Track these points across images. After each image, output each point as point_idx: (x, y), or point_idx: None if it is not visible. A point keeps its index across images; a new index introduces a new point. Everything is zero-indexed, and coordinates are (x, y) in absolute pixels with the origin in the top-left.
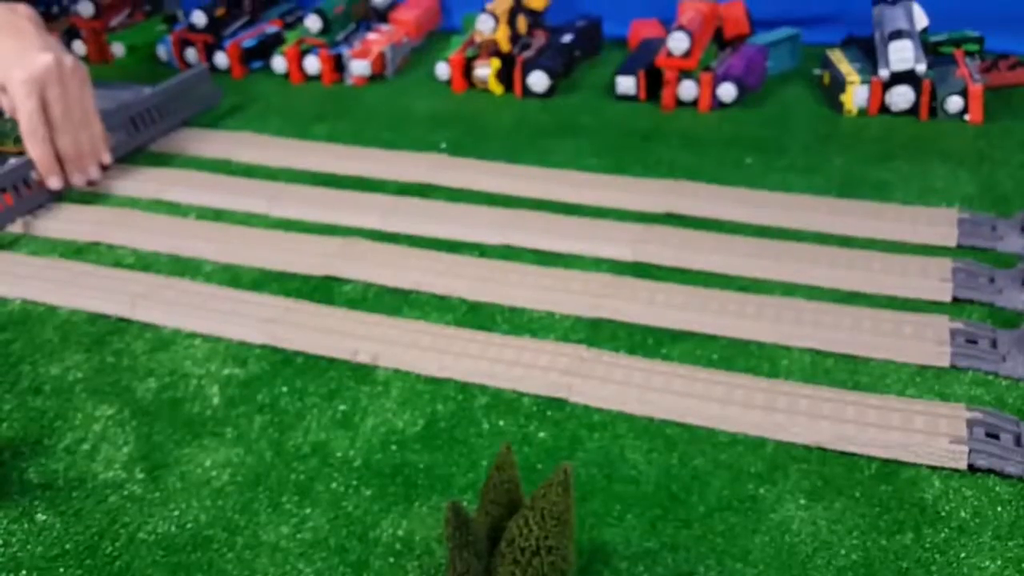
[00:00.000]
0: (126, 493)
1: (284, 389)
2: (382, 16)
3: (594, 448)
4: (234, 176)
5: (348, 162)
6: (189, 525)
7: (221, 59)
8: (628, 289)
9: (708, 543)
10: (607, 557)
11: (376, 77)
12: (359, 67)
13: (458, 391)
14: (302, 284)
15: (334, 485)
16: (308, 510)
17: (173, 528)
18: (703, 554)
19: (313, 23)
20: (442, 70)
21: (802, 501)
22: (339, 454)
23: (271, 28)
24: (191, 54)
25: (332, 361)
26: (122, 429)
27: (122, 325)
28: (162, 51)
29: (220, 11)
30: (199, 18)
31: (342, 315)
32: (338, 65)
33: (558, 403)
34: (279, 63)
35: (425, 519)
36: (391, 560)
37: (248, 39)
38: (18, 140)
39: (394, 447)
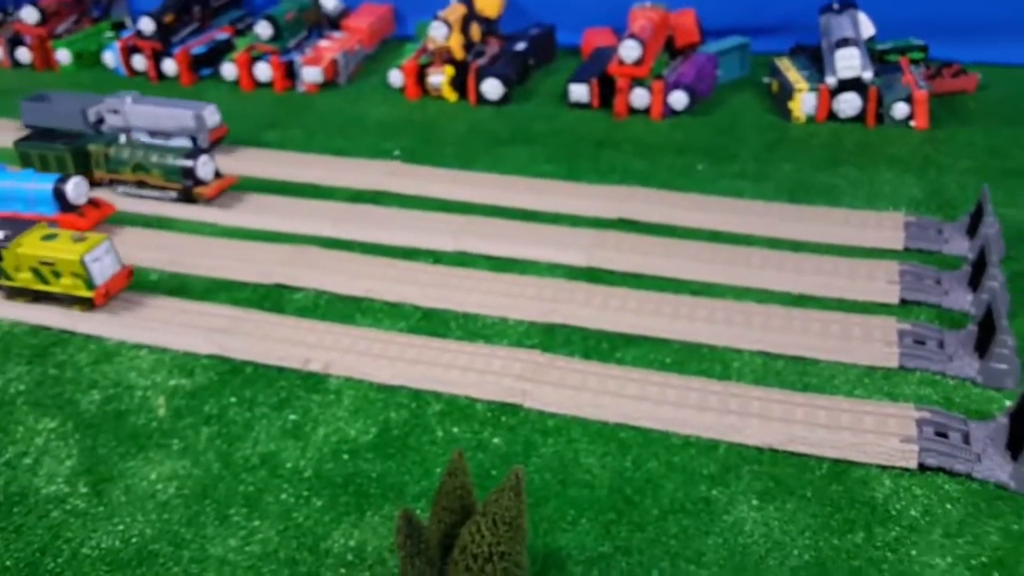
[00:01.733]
0: (69, 508)
1: (232, 399)
2: (334, 23)
3: (548, 453)
4: None
5: (300, 169)
6: (134, 540)
7: (170, 66)
8: (582, 294)
9: (662, 546)
10: (561, 562)
11: (328, 84)
12: (311, 74)
13: (411, 398)
14: (252, 293)
15: (284, 496)
16: (257, 522)
17: (117, 543)
18: (657, 557)
19: (264, 30)
20: (395, 77)
21: (754, 502)
22: (289, 465)
23: (221, 35)
24: (139, 61)
25: (282, 370)
26: (65, 442)
27: (65, 337)
28: (109, 58)
29: (169, 18)
30: (147, 25)
31: (293, 324)
32: (289, 72)
33: (512, 409)
34: (229, 70)
35: (378, 528)
36: (342, 571)
37: (197, 46)
38: (136, 168)
39: (346, 456)
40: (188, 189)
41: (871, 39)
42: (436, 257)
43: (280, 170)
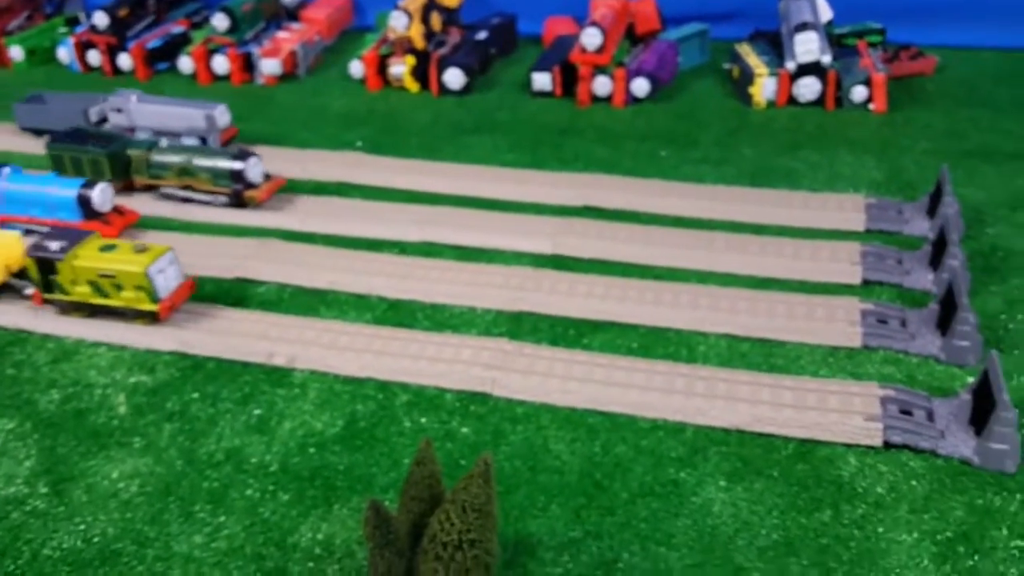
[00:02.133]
0: (29, 508)
1: (195, 395)
2: (293, 14)
3: (518, 440)
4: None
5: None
6: (96, 539)
7: (125, 61)
8: (548, 282)
9: (632, 529)
10: (532, 548)
11: (288, 76)
12: (269, 66)
13: (378, 390)
14: (214, 287)
15: (249, 492)
16: (222, 518)
17: (79, 543)
18: (627, 540)
19: (220, 22)
20: (356, 68)
21: (722, 483)
22: (254, 460)
23: (177, 28)
24: (94, 56)
25: (246, 365)
26: (23, 443)
27: (23, 336)
28: (63, 54)
29: (123, 12)
30: (101, 19)
31: (256, 318)
32: (248, 65)
33: (481, 397)
34: (186, 64)
35: (346, 521)
36: (310, 565)
37: (153, 40)
38: (181, 173)
39: (312, 450)
40: (238, 193)
41: (829, 23)
42: (401, 248)
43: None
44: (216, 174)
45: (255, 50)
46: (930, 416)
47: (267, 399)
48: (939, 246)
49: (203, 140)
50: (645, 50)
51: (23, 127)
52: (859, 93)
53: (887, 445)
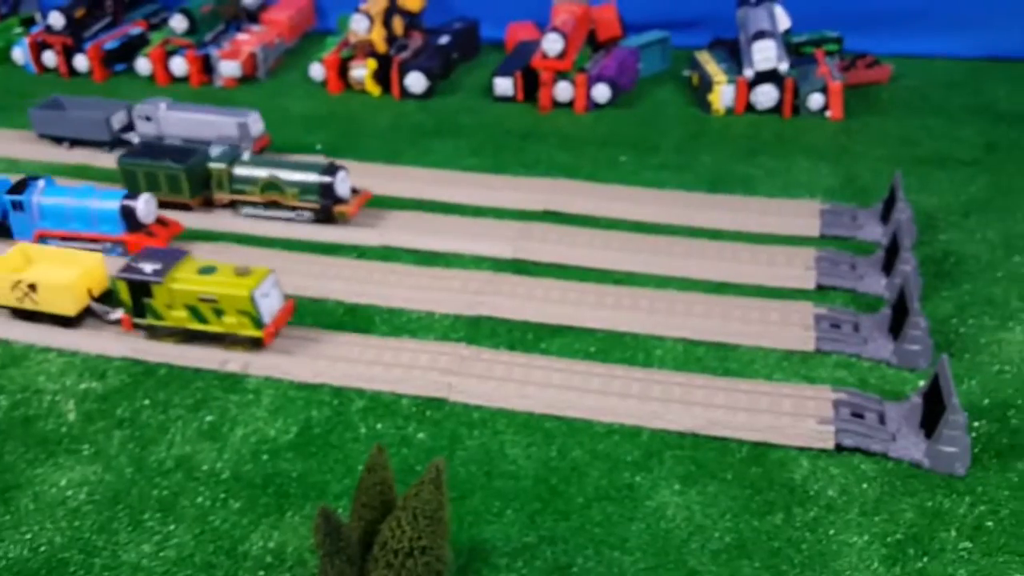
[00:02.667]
0: None
1: (146, 402)
2: (253, 16)
3: (474, 446)
4: (94, 181)
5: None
6: (43, 548)
7: (81, 62)
8: (508, 286)
9: (586, 534)
10: (486, 554)
11: (247, 78)
12: (228, 68)
13: (333, 396)
14: None
15: (200, 499)
16: (172, 527)
17: (25, 552)
18: (581, 545)
19: (179, 23)
20: (317, 71)
21: (677, 487)
22: (205, 467)
23: (135, 29)
24: (49, 57)
25: (199, 371)
26: None
27: None
28: (18, 54)
29: (80, 12)
30: (56, 20)
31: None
32: (206, 66)
33: (438, 403)
34: (143, 65)
35: (298, 529)
36: (261, 574)
37: (110, 41)
38: (266, 188)
39: (265, 456)
40: (327, 208)
41: (787, 32)
42: (360, 252)
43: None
44: (304, 188)
45: (214, 52)
46: (881, 419)
47: (220, 405)
48: (892, 251)
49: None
50: (606, 56)
51: (40, 134)
52: (816, 101)
53: (839, 448)
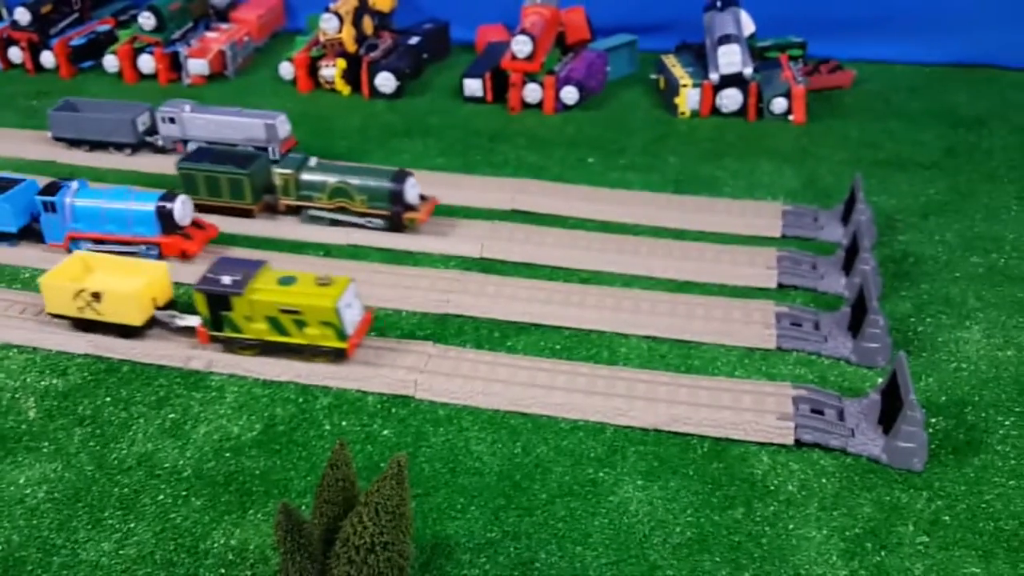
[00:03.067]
0: None
1: (108, 399)
2: (222, 15)
3: (439, 443)
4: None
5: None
6: (0, 547)
7: (48, 58)
8: (475, 284)
9: (550, 529)
10: (449, 551)
11: (216, 76)
12: (196, 66)
13: (299, 393)
14: None
15: (161, 497)
16: (132, 524)
17: None
18: (544, 540)
19: (147, 21)
20: (286, 70)
21: (639, 482)
22: (167, 464)
23: (102, 26)
24: (15, 53)
25: (162, 368)
26: None
27: None
28: None
29: (46, 8)
30: (22, 15)
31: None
32: (175, 64)
33: (403, 400)
34: (111, 62)
35: (260, 526)
36: (222, 571)
37: (77, 37)
38: (334, 194)
39: (228, 454)
40: (397, 215)
41: (752, 36)
42: (327, 250)
43: (164, 165)
44: (373, 195)
45: (182, 50)
46: (841, 416)
47: (182, 403)
48: (852, 252)
49: (262, 151)
50: (575, 59)
51: (57, 137)
52: (779, 104)
53: (799, 444)
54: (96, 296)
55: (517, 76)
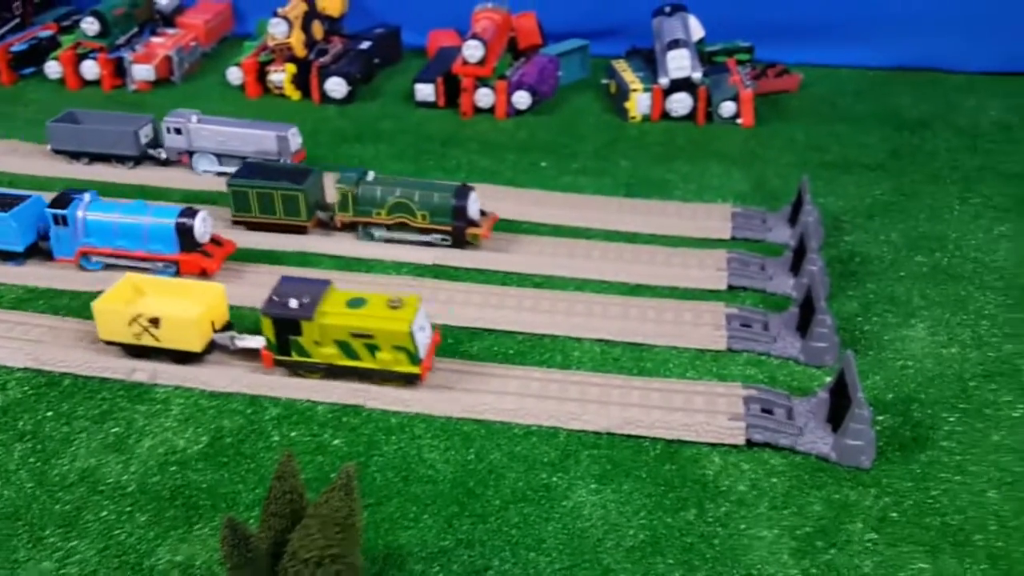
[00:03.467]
0: None
1: (49, 414)
2: (168, 20)
3: (391, 451)
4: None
5: (128, 172)
6: None
7: None
8: (428, 291)
9: (503, 536)
10: (402, 560)
11: (162, 82)
12: (142, 72)
13: (247, 404)
14: (71, 300)
15: (104, 514)
16: (75, 542)
17: None
18: (498, 547)
19: (90, 26)
20: (234, 75)
21: (593, 486)
22: (111, 480)
23: (44, 32)
24: None
25: (104, 381)
26: None
27: None
28: None
29: None
30: None
31: None
32: (119, 70)
33: (355, 409)
34: (53, 68)
35: (207, 541)
36: None
37: (18, 43)
38: (394, 209)
39: (174, 468)
40: (460, 231)
41: (701, 41)
42: (276, 258)
43: (106, 173)
44: (436, 210)
45: (127, 55)
46: (790, 415)
47: (126, 416)
48: (800, 253)
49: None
50: (527, 64)
51: (56, 150)
52: (728, 108)
53: (750, 444)
54: (154, 322)
55: (469, 81)
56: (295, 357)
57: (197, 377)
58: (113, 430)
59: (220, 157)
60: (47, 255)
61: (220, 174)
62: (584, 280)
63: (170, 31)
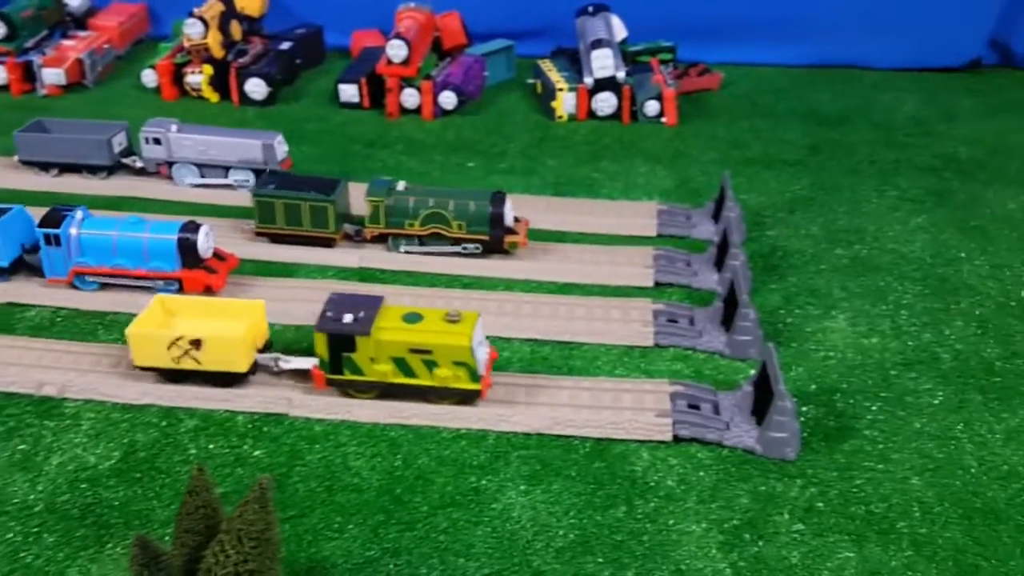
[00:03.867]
0: None
1: None
2: (80, 22)
3: (315, 460)
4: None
5: (38, 177)
6: None
7: None
8: (353, 288)
9: (431, 543)
10: (326, 573)
11: (74, 86)
12: (52, 75)
13: (161, 417)
14: None
15: (11, 535)
16: None
17: None
18: (426, 555)
19: None
20: (149, 77)
21: (522, 487)
22: (17, 500)
23: None
24: None
25: (11, 396)
26: None
27: None
28: None
29: None
30: None
31: (24, 344)
32: (28, 74)
33: (277, 418)
34: None
35: (119, 560)
36: None
37: None
38: (428, 219)
39: (84, 485)
40: (497, 239)
41: (624, 41)
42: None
43: (15, 179)
44: (472, 219)
45: (36, 59)
46: (716, 409)
47: (34, 433)
48: (723, 248)
49: (257, 173)
50: (452, 64)
51: (24, 161)
52: (652, 107)
53: (677, 439)
54: (196, 344)
55: (393, 81)
56: (348, 376)
57: (108, 390)
58: (20, 447)
59: (201, 168)
60: (34, 270)
61: (202, 186)
62: (513, 280)
63: (82, 33)
